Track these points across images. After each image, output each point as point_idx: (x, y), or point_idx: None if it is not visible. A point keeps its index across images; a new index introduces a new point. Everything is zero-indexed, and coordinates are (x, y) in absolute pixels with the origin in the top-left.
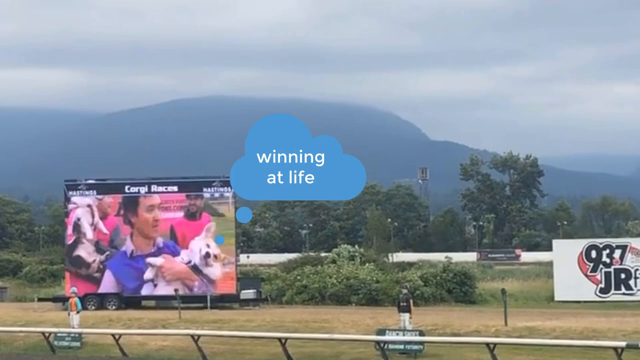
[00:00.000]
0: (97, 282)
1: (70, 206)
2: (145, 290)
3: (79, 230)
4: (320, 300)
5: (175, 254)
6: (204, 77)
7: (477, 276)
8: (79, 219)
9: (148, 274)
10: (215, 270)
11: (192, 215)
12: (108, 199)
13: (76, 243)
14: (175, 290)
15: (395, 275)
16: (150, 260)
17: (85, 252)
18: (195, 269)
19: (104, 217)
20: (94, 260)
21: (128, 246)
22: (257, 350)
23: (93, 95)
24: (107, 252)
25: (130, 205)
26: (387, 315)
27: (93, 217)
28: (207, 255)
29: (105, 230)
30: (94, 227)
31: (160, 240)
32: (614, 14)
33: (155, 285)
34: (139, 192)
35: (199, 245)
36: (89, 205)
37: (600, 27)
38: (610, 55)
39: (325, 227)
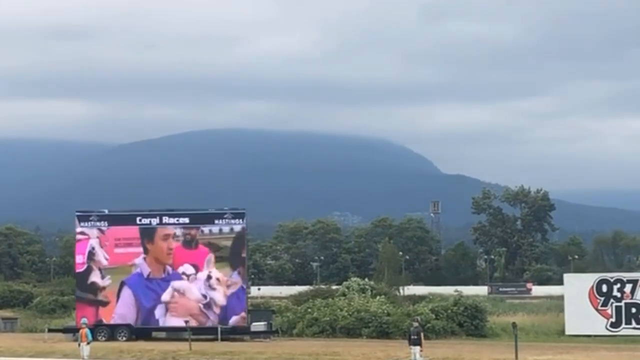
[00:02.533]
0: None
1: (81, 237)
2: (159, 312)
3: (92, 258)
4: (331, 333)
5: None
6: (218, 109)
7: (488, 310)
8: (93, 248)
9: (165, 296)
10: (219, 295)
11: (188, 243)
12: (112, 231)
13: (89, 270)
14: (186, 322)
15: (406, 308)
16: (174, 284)
17: (98, 278)
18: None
19: (107, 247)
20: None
21: (144, 269)
22: None
23: (105, 126)
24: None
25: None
26: (398, 348)
27: (101, 246)
28: (209, 277)
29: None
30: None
31: (169, 269)
32: (629, 50)
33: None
34: (150, 224)
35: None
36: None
37: (614, 62)
38: (623, 90)
39: (336, 260)
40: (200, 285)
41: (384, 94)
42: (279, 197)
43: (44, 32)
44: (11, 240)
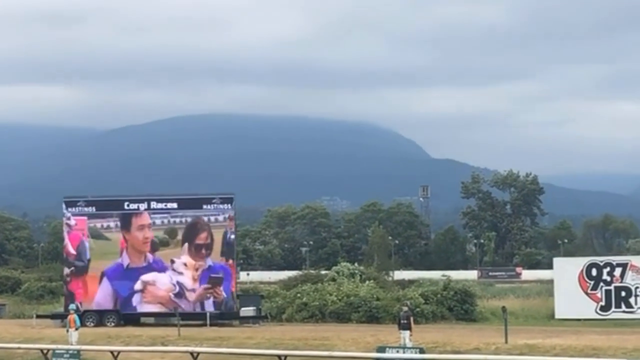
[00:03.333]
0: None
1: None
2: (136, 300)
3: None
4: (321, 318)
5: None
6: (205, 94)
7: (477, 294)
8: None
9: (138, 285)
10: (186, 279)
11: None
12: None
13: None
14: (175, 307)
15: (395, 293)
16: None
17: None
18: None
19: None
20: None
21: (124, 259)
22: None
23: (93, 111)
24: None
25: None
26: (387, 333)
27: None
28: (173, 261)
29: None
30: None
31: (150, 257)
32: (618, 33)
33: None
34: (138, 209)
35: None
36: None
37: (603, 45)
38: (612, 73)
39: (326, 245)
40: (170, 274)
41: (372, 78)
42: (267, 181)
43: (31, 17)
44: None
